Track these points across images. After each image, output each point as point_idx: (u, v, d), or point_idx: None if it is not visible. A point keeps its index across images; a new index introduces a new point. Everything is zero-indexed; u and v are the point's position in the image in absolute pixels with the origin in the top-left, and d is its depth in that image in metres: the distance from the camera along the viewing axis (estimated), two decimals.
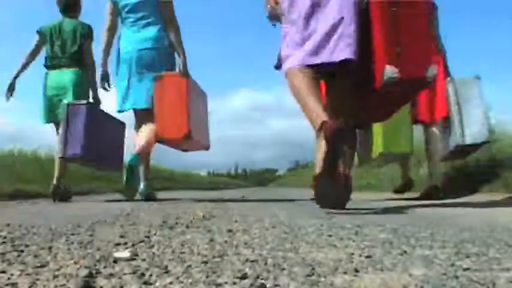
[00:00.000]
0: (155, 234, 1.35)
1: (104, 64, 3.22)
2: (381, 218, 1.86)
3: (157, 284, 0.72)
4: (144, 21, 3.06)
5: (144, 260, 0.92)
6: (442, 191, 3.23)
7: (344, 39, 1.92)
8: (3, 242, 1.18)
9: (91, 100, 3.38)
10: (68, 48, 3.31)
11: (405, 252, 1.00)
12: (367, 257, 0.94)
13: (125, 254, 0.97)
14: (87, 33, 3.38)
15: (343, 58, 1.93)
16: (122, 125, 3.59)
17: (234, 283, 0.72)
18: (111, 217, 1.94)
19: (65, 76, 3.31)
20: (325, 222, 1.70)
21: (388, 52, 1.88)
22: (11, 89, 3.44)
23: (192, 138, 2.92)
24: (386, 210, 2.41)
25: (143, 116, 3.10)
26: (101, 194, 5.95)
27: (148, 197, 3.21)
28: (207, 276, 0.76)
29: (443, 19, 3.68)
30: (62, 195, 3.29)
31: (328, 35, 1.94)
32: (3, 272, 0.81)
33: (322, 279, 0.74)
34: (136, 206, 2.90)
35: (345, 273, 0.79)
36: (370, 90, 1.99)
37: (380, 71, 1.86)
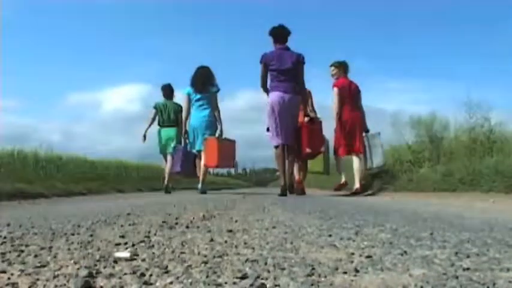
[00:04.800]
0: (155, 234, 1.34)
1: (184, 126, 6.12)
2: (380, 218, 1.86)
3: (157, 284, 0.72)
4: (203, 106, 5.92)
5: (144, 260, 0.92)
6: (364, 189, 5.53)
7: (290, 135, 4.88)
8: (3, 242, 1.18)
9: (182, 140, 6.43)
10: (171, 117, 6.54)
11: (405, 252, 1.00)
12: (367, 257, 0.94)
13: (125, 254, 0.97)
14: (180, 109, 6.41)
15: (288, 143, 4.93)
16: (193, 154, 6.29)
17: (234, 283, 0.72)
18: (111, 217, 1.94)
19: (170, 131, 6.53)
20: (325, 222, 1.70)
21: (306, 142, 4.89)
22: (144, 138, 6.69)
23: (219, 166, 6.29)
24: (386, 210, 2.41)
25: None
26: (101, 194, 5.95)
27: (205, 192, 5.82)
28: (207, 276, 0.76)
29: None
30: (169, 190, 6.33)
31: (289, 132, 4.87)
32: (3, 272, 0.81)
33: (322, 279, 0.74)
34: (136, 206, 2.91)
35: (345, 273, 0.79)
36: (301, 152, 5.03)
37: (304, 149, 4.91)
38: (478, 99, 5.48)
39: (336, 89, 5.34)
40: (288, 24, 5.00)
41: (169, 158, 6.48)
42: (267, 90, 4.90)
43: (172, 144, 6.44)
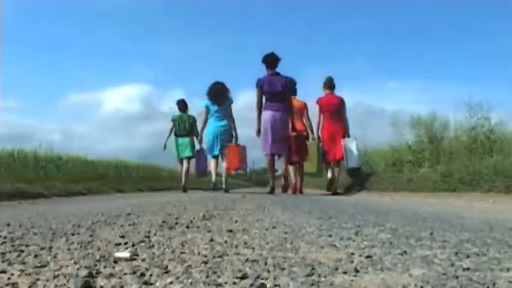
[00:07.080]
0: (155, 234, 1.34)
1: (201, 135, 7.18)
2: (380, 218, 1.86)
3: (157, 284, 0.72)
4: (220, 117, 6.84)
5: (144, 260, 0.92)
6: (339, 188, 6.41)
7: (280, 146, 5.71)
8: (3, 242, 1.17)
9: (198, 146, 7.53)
10: (186, 127, 7.42)
11: (405, 252, 1.00)
12: (367, 257, 0.94)
13: (125, 254, 0.97)
14: (194, 121, 7.49)
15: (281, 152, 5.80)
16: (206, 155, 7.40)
17: (234, 283, 0.72)
18: (111, 217, 1.94)
19: (185, 140, 7.41)
20: (325, 222, 1.70)
21: (294, 151, 5.86)
22: (164, 146, 7.63)
23: (239, 169, 7.21)
24: (386, 210, 2.41)
25: (221, 156, 6.92)
26: (101, 194, 5.95)
27: (227, 191, 6.82)
28: (207, 276, 0.76)
29: None
30: (186, 189, 7.13)
31: (279, 143, 5.69)
32: (3, 272, 0.81)
33: (322, 279, 0.74)
34: (136, 206, 2.91)
35: (345, 273, 0.79)
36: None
37: (292, 157, 5.90)
38: (478, 99, 5.48)
39: (316, 105, 6.26)
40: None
41: (185, 161, 7.39)
42: (259, 110, 5.73)
43: (188, 149, 7.44)
